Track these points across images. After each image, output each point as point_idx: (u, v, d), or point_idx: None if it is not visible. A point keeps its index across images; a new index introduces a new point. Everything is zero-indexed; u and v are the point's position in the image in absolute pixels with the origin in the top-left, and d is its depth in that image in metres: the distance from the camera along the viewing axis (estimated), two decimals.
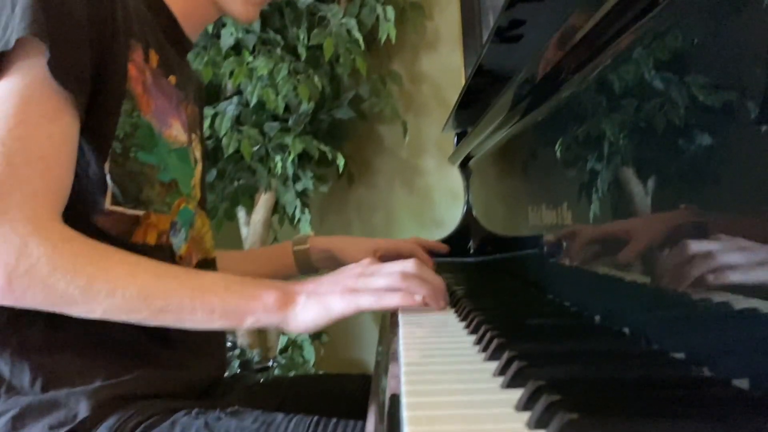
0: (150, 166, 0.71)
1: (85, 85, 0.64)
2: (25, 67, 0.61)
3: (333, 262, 1.03)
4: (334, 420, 0.66)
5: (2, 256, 0.58)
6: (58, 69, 0.61)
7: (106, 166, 0.67)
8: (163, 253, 0.73)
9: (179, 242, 0.76)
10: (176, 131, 0.76)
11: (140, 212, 0.70)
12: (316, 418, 0.66)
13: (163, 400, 0.68)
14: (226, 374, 0.89)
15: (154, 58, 0.75)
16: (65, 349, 0.66)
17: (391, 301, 0.66)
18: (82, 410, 0.63)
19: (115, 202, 0.68)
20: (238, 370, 1.64)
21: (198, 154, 0.83)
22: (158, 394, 0.68)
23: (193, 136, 0.83)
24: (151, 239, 0.72)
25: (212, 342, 0.82)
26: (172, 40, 0.81)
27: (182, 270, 0.70)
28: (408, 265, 0.69)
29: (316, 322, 0.66)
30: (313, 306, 0.65)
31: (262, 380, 0.95)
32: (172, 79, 0.79)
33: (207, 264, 0.83)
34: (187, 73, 0.86)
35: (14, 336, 0.66)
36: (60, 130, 0.62)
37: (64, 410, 0.63)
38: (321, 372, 1.81)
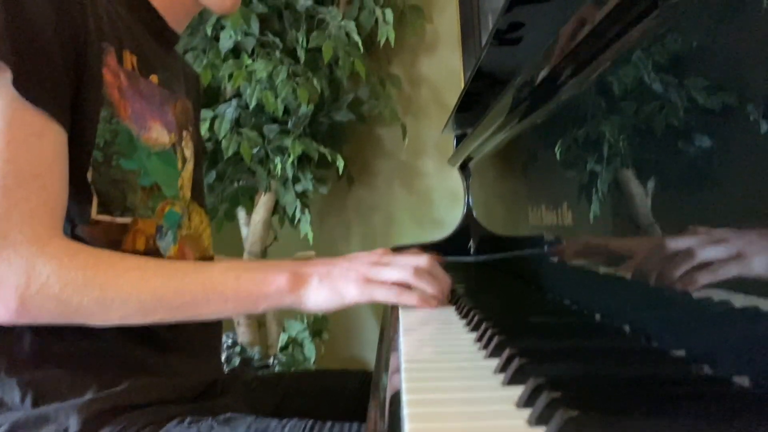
0: (132, 172, 0.70)
1: (62, 98, 0.63)
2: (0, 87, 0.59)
3: None
4: (329, 423, 0.66)
5: (11, 279, 0.58)
6: (28, 87, 0.59)
7: (89, 175, 0.66)
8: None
9: (166, 245, 0.75)
10: (156, 133, 0.74)
11: (128, 219, 0.69)
12: (311, 422, 0.66)
13: (156, 408, 0.67)
14: (225, 370, 0.88)
15: (129, 59, 0.72)
16: (54, 362, 0.65)
17: (408, 300, 0.69)
18: (73, 424, 0.63)
19: (101, 211, 0.67)
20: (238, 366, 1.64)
21: (188, 152, 0.81)
22: (151, 403, 0.67)
23: (184, 133, 0.81)
24: (141, 245, 0.71)
25: (206, 346, 0.80)
26: (155, 34, 0.79)
27: (191, 265, 0.69)
28: (421, 260, 0.71)
29: (328, 305, 0.67)
30: (326, 289, 0.67)
31: (261, 375, 0.94)
32: (154, 78, 0.77)
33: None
34: (174, 69, 0.83)
35: (3, 352, 0.65)
36: (50, 145, 0.61)
37: (54, 425, 0.63)
38: (321, 369, 1.81)
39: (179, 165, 0.78)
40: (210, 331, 0.82)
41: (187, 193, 0.80)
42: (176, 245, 0.76)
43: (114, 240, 0.68)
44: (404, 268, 0.69)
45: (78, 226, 0.65)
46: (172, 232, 0.75)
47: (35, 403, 0.64)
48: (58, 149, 0.62)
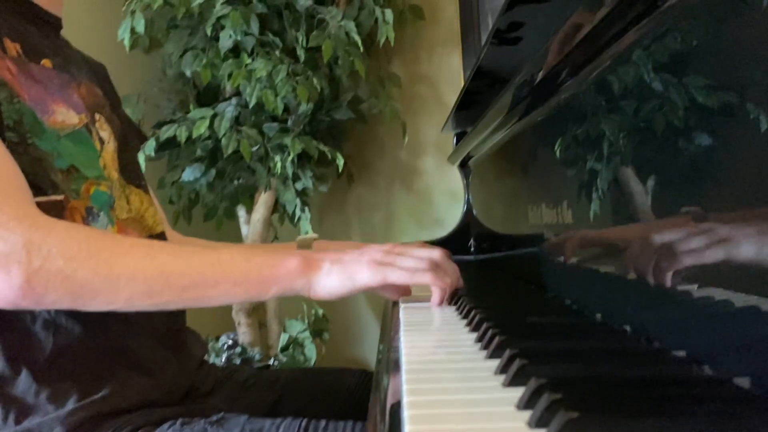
0: (47, 153, 0.67)
1: None
2: None
3: None
4: (323, 423, 0.65)
5: (11, 256, 0.55)
6: None
7: None
8: None
9: (102, 227, 0.71)
10: (62, 116, 0.71)
11: (60, 196, 0.66)
12: (304, 421, 0.65)
13: (143, 412, 0.66)
14: (224, 365, 0.87)
15: (12, 47, 0.69)
16: (31, 377, 0.63)
17: (423, 278, 0.67)
18: None
19: (33, 193, 0.64)
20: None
21: (105, 134, 0.78)
22: (136, 407, 0.66)
23: (97, 115, 0.78)
24: (80, 222, 0.68)
25: (172, 333, 0.78)
26: (33, 22, 0.76)
27: (198, 247, 0.67)
28: (435, 253, 0.70)
29: (339, 289, 0.65)
30: (338, 273, 0.65)
31: (258, 372, 0.93)
32: (47, 62, 0.74)
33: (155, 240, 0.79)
34: (68, 55, 0.81)
35: None
36: None
37: None
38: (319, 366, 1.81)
39: (97, 145, 0.75)
40: (173, 319, 0.80)
41: (113, 174, 0.77)
42: (114, 227, 0.73)
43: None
44: (420, 259, 0.68)
45: None
46: (105, 214, 0.72)
47: (18, 420, 0.62)
48: None
